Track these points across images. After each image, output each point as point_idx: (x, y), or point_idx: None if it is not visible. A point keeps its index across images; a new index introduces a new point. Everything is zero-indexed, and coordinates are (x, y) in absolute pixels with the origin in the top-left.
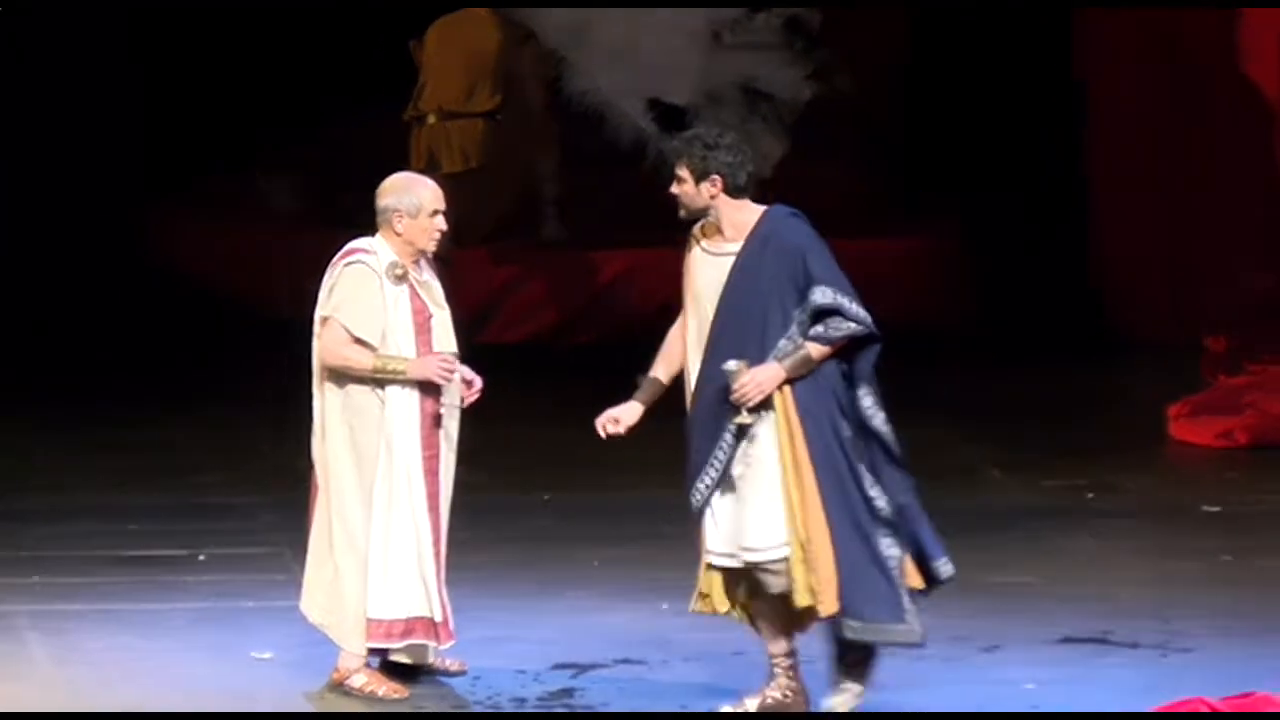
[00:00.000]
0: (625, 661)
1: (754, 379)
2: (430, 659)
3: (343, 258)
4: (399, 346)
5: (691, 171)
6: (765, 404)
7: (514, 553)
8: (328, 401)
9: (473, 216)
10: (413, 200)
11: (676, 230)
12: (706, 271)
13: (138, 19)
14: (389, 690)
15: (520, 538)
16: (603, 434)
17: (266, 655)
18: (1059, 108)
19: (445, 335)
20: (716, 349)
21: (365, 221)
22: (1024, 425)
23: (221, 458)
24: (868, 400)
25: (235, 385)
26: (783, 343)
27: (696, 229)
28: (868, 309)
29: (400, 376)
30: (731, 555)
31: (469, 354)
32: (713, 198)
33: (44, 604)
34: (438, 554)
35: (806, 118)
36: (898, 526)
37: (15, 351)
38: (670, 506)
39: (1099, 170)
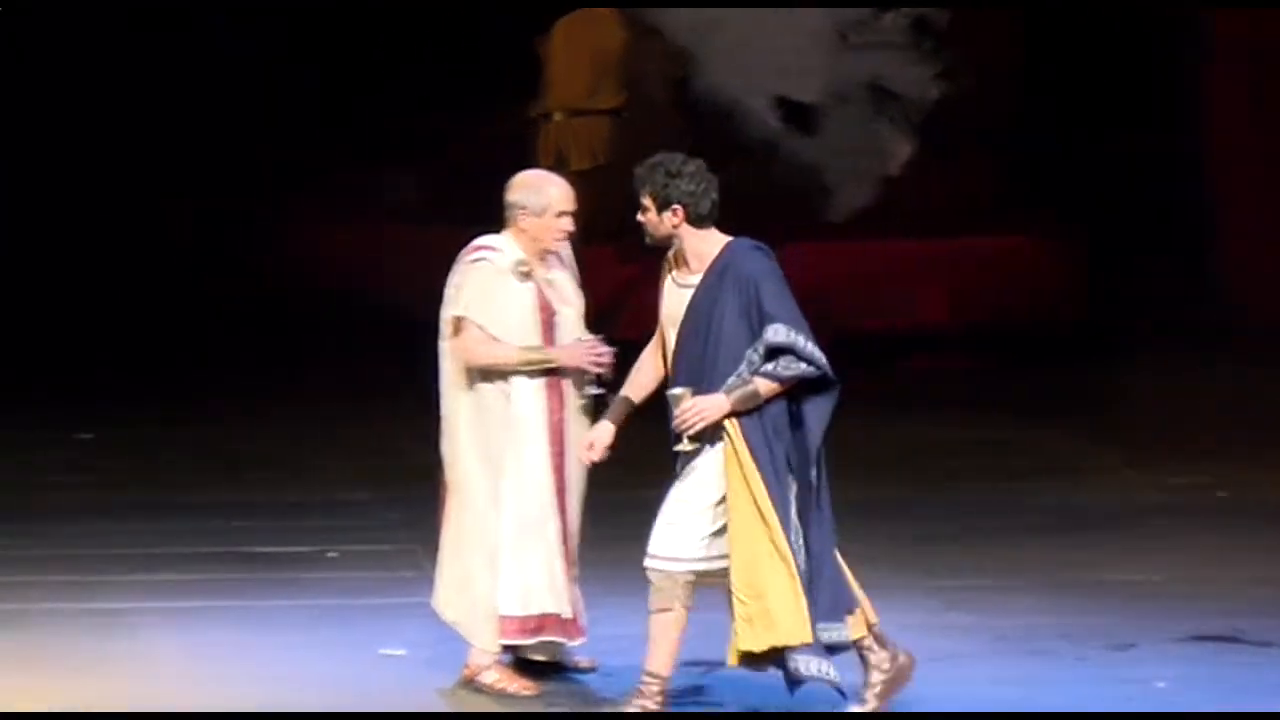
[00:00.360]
0: None
1: (696, 407)
2: (561, 656)
3: (468, 254)
4: (524, 344)
5: (654, 199)
6: (713, 437)
7: (619, 549)
8: (456, 400)
9: (600, 214)
10: (541, 199)
11: (802, 227)
12: (672, 301)
13: (268, 16)
14: (520, 687)
15: (623, 535)
16: (586, 462)
17: (398, 652)
18: (1175, 101)
19: (570, 332)
20: (674, 379)
21: (491, 217)
22: (1150, 422)
23: (349, 454)
24: (813, 446)
25: (363, 381)
26: (732, 378)
27: (670, 255)
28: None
29: (550, 365)
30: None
31: None
32: (675, 227)
33: (173, 601)
34: (567, 551)
35: (930, 117)
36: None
37: (144, 349)
38: None
39: (1219, 168)
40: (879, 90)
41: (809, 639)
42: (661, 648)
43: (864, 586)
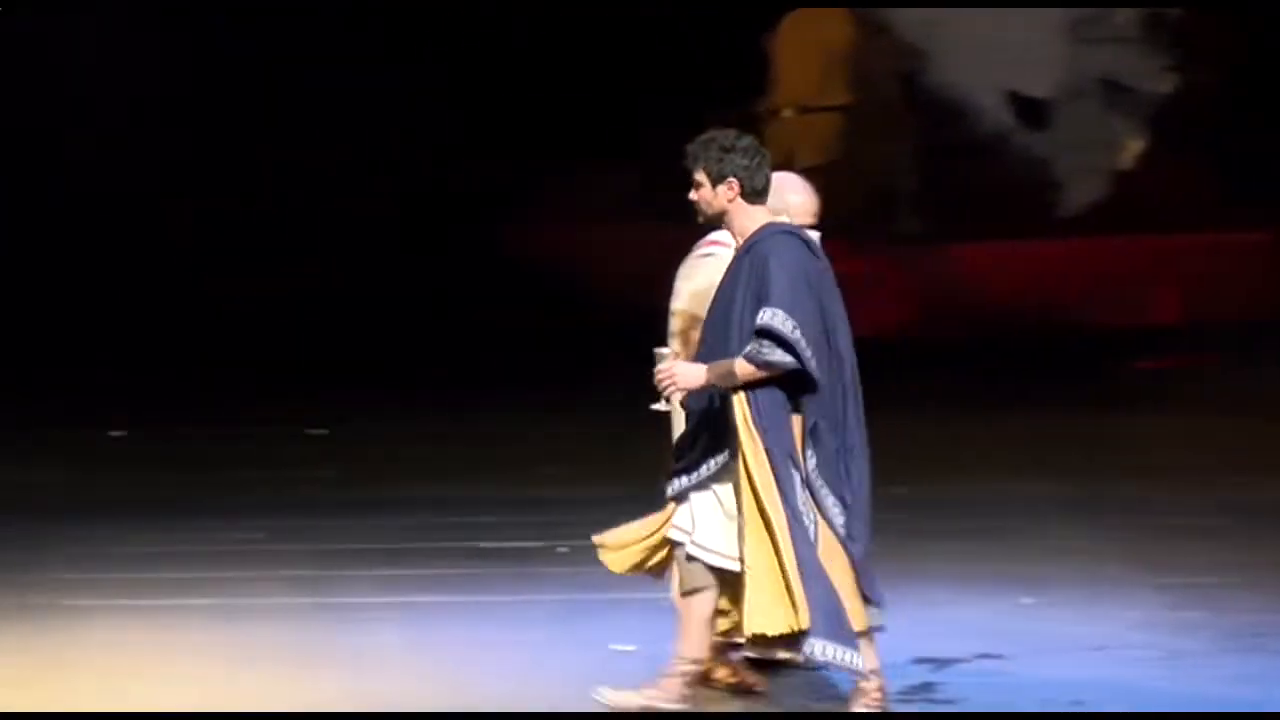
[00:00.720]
0: (985, 656)
1: (671, 371)
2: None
3: (700, 248)
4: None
5: (708, 174)
6: (707, 402)
7: (878, 546)
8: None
9: (828, 208)
10: (777, 206)
11: (1033, 221)
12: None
13: (480, 28)
14: (748, 682)
15: (883, 531)
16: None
17: (629, 648)
18: None
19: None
20: (703, 343)
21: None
22: None
23: (576, 449)
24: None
25: (586, 376)
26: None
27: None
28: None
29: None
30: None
31: None
32: (730, 201)
33: (402, 596)
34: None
35: (1160, 111)
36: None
37: (372, 345)
38: (1017, 499)
39: None
40: (1111, 84)
41: (805, 625)
42: (696, 630)
43: (1090, 582)
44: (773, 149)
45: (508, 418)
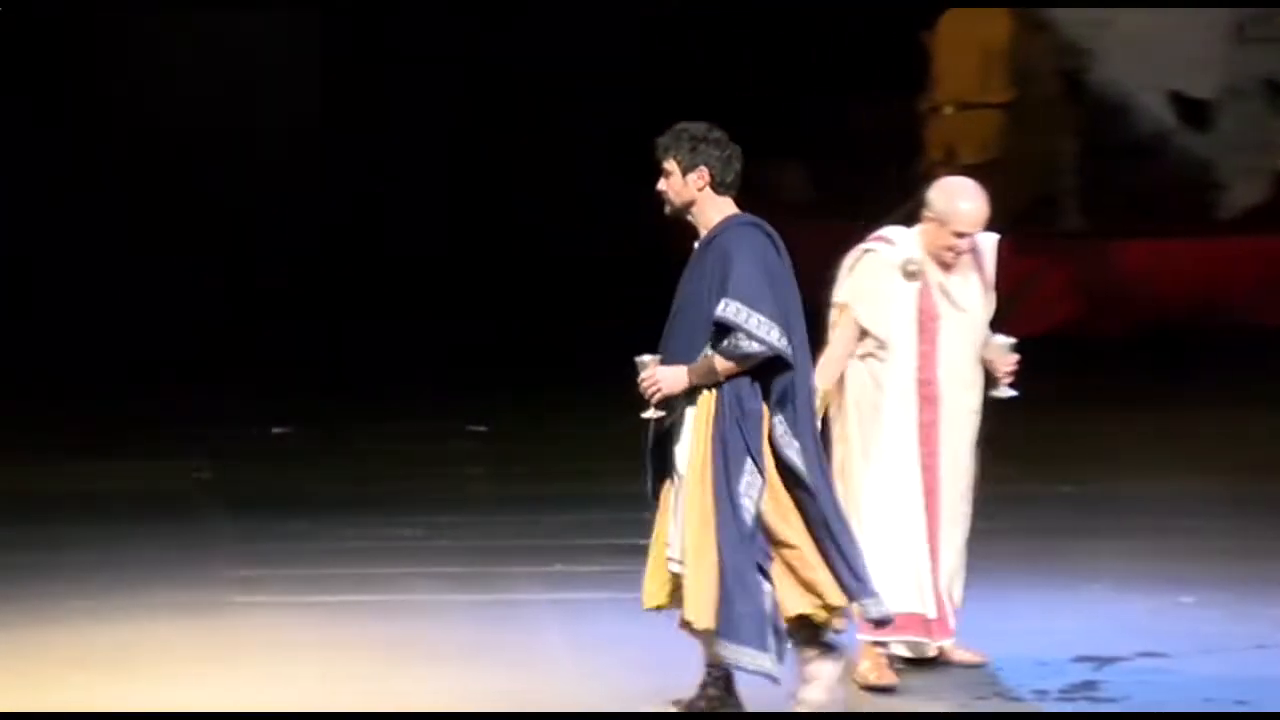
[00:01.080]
0: (1147, 654)
1: (653, 376)
2: (931, 652)
3: (864, 243)
4: (898, 343)
5: (679, 163)
6: (685, 408)
7: (1034, 544)
8: (843, 388)
9: (990, 206)
10: (947, 209)
11: (1193, 222)
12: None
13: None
14: (880, 678)
15: (1040, 529)
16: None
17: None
18: None
19: (959, 339)
20: (665, 339)
21: (872, 208)
22: None
23: None
24: (780, 429)
25: None
26: (706, 349)
27: None
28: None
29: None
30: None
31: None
32: (699, 190)
33: (564, 593)
34: (933, 550)
35: None
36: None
37: (534, 340)
38: (1179, 497)
39: None
40: (1275, 85)
41: (711, 625)
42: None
43: (1249, 581)
44: (933, 146)
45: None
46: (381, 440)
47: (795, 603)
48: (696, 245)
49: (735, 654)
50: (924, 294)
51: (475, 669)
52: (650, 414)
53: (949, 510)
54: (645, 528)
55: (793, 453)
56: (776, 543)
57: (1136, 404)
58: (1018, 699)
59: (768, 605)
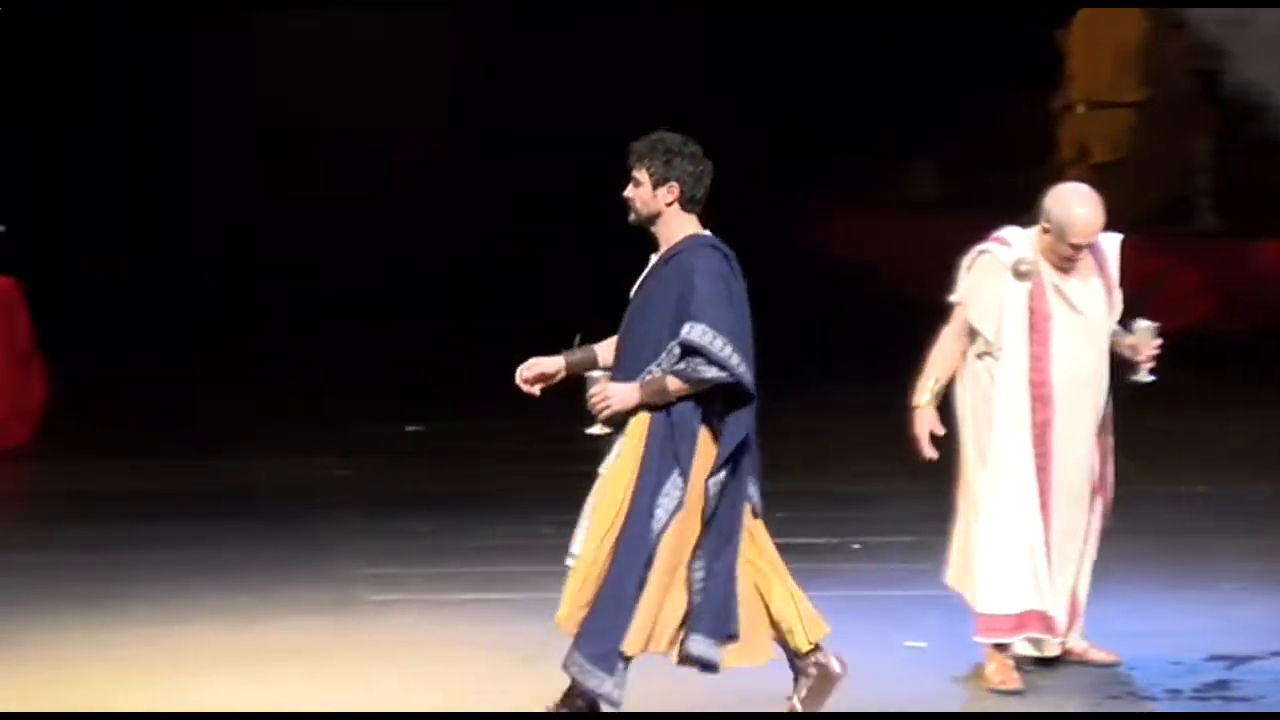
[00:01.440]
0: (1278, 654)
1: (604, 392)
2: (1052, 650)
3: (982, 243)
4: (1009, 345)
5: (651, 175)
6: (624, 425)
7: (1169, 544)
8: (961, 387)
9: (1123, 206)
10: (1063, 218)
11: None
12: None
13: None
14: (1004, 682)
15: (1174, 530)
16: (523, 387)
17: (920, 644)
18: None
19: (1075, 339)
20: (619, 354)
21: (1004, 207)
22: None
23: (872, 445)
24: (721, 460)
25: (885, 369)
26: (653, 367)
27: None
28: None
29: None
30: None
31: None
32: (668, 205)
33: None
34: (1049, 547)
35: None
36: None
37: None
38: None
39: None
40: None
41: (572, 630)
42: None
43: None
44: (1066, 144)
45: (804, 413)
46: (511, 439)
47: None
48: (654, 258)
49: (578, 666)
50: (1036, 295)
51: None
52: (597, 430)
53: (1068, 509)
54: (777, 526)
55: (717, 487)
56: (676, 564)
57: (1271, 403)
58: (1151, 699)
59: (631, 622)
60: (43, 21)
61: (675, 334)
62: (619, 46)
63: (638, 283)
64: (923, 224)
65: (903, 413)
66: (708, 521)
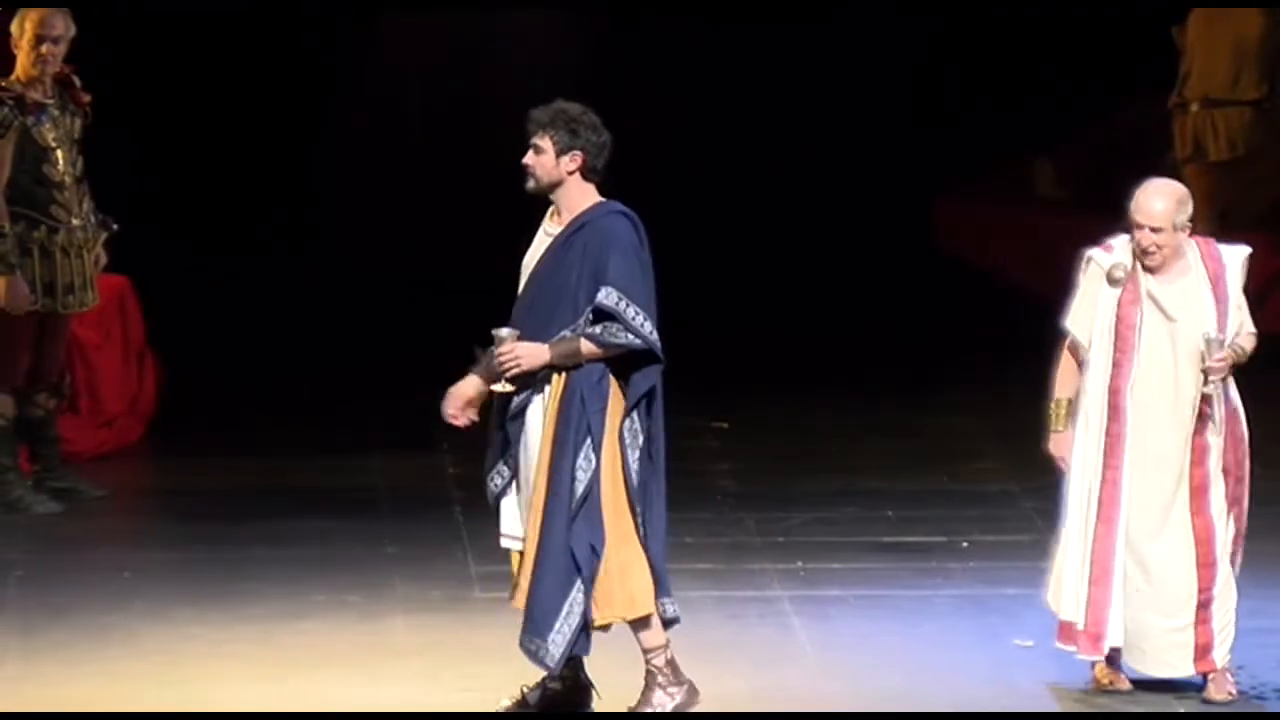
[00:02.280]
0: None
1: (514, 351)
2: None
3: (1089, 249)
4: (1095, 350)
5: (555, 143)
6: (536, 388)
7: (1273, 545)
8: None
9: (1241, 203)
10: (1132, 204)
11: None
12: (535, 250)
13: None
14: (1109, 682)
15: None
16: (453, 422)
17: (1028, 643)
18: None
19: (1164, 349)
20: (514, 322)
21: (1123, 208)
22: None
23: (991, 444)
24: (630, 424)
25: (1009, 371)
26: (565, 332)
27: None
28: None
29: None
30: (515, 539)
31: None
32: (569, 174)
33: (807, 590)
34: (1098, 563)
35: None
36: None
37: (815, 336)
38: None
39: None
40: None
41: (519, 604)
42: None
43: None
44: (1181, 142)
45: (933, 413)
46: None
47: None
48: (556, 227)
49: (525, 639)
50: (1126, 302)
51: (719, 665)
52: (501, 387)
53: (1142, 525)
54: (887, 525)
55: (635, 451)
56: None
57: None
58: (1261, 698)
59: (570, 593)
60: (163, 16)
61: (590, 299)
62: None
63: (538, 251)
64: (1045, 223)
65: (1024, 411)
66: (629, 477)
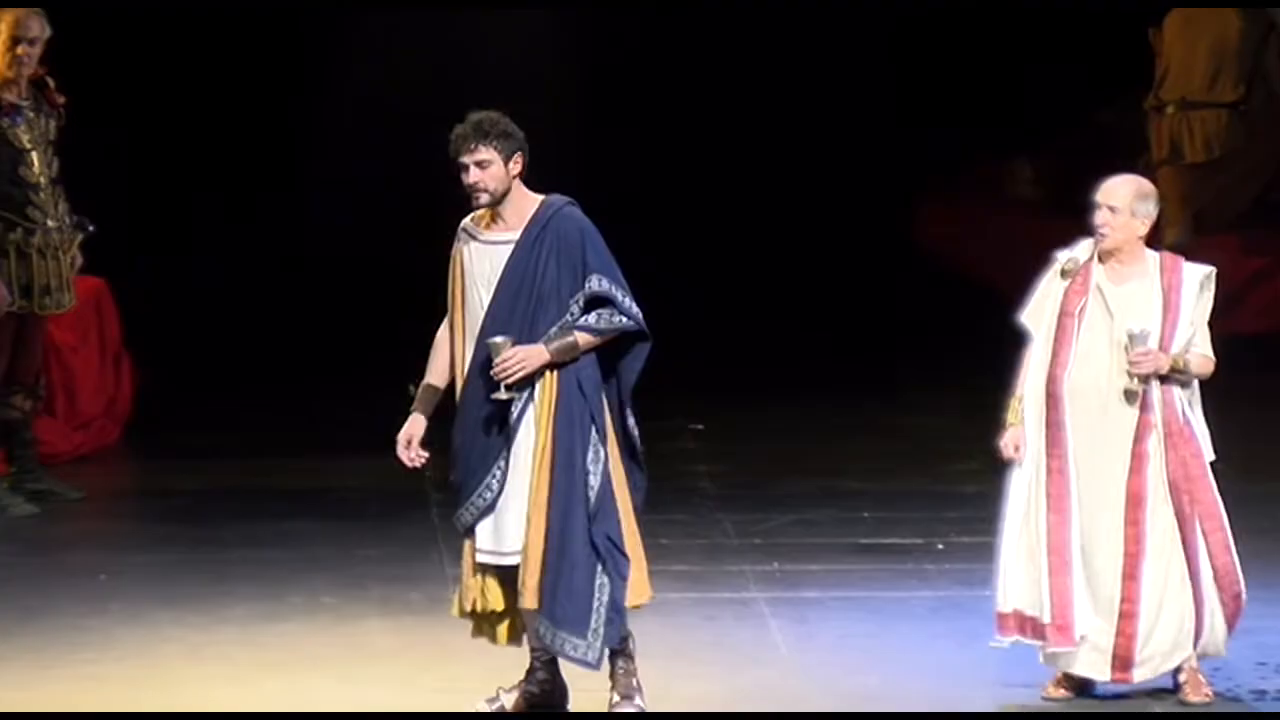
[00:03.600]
0: None
1: (517, 356)
2: (1068, 664)
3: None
4: (1039, 340)
5: (500, 151)
6: (529, 388)
7: (1256, 544)
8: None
9: (1216, 206)
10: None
11: None
12: (484, 261)
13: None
14: (1052, 692)
15: (1261, 529)
16: (412, 465)
17: (1005, 644)
18: None
19: (1100, 345)
20: (490, 334)
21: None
22: None
23: (968, 445)
24: (624, 408)
25: (986, 372)
26: (553, 329)
27: (469, 221)
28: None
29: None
30: (499, 554)
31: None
32: (514, 177)
33: (783, 591)
34: (1055, 553)
35: None
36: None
37: (794, 337)
38: None
39: None
40: None
41: (534, 605)
42: None
43: None
44: (1157, 143)
45: (907, 411)
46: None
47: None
48: (503, 233)
49: (555, 638)
50: (1072, 292)
51: (688, 666)
52: (503, 395)
53: (1094, 517)
54: (864, 526)
55: (631, 423)
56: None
57: None
58: (1236, 699)
59: (595, 588)
60: (138, 18)
61: (572, 293)
62: (721, 42)
63: (491, 259)
64: (1021, 224)
65: (1001, 412)
66: (625, 464)
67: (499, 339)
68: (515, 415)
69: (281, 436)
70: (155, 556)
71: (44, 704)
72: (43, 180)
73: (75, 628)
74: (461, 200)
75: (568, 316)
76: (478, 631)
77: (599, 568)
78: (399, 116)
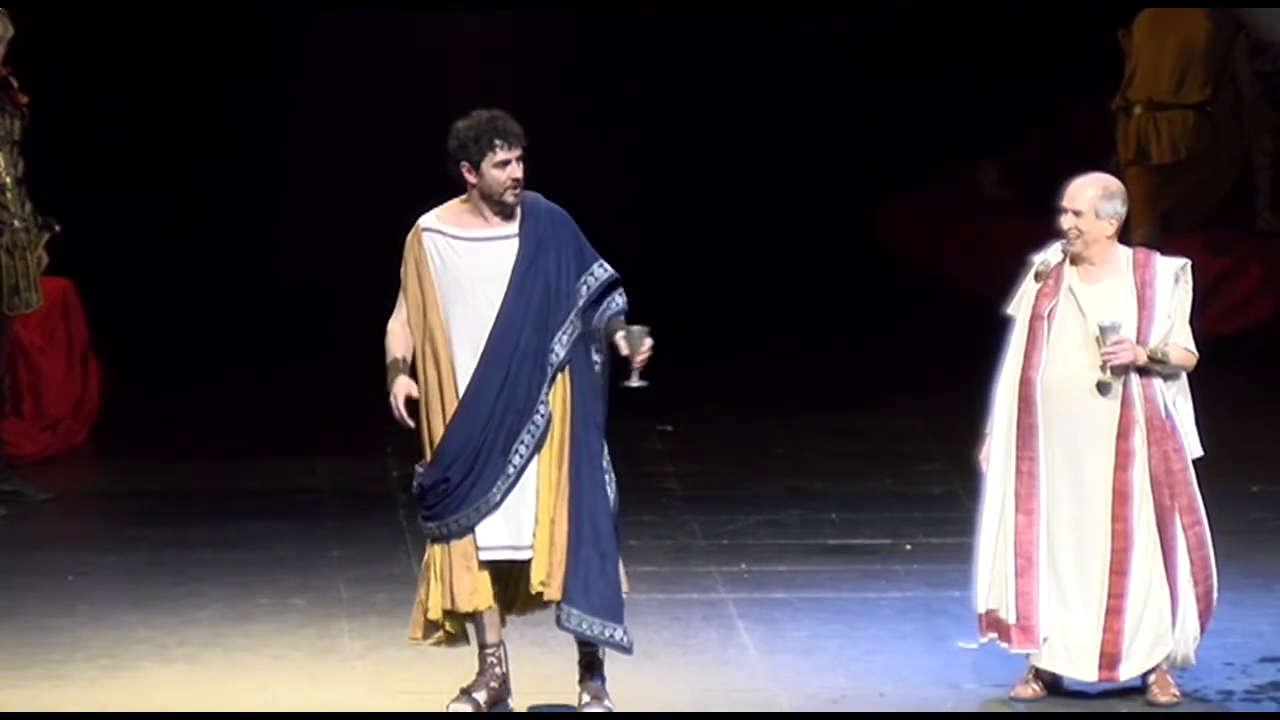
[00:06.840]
0: None
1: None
2: (1041, 662)
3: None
4: (1012, 343)
5: (524, 149)
6: (548, 388)
7: (1220, 544)
8: None
9: (1183, 206)
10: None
11: None
12: (478, 258)
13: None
14: (1020, 691)
15: (1226, 530)
16: (409, 423)
17: (973, 645)
18: None
19: (1073, 346)
20: (504, 328)
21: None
22: None
23: (936, 446)
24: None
25: (954, 373)
26: (573, 318)
27: (434, 220)
28: None
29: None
30: (516, 549)
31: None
32: None
33: (751, 592)
34: (1022, 554)
35: None
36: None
37: (761, 338)
38: None
39: None
40: None
41: (557, 595)
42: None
43: None
44: (1124, 144)
45: (876, 412)
46: None
47: None
48: (499, 228)
49: (592, 625)
50: (1042, 294)
51: (660, 666)
52: (635, 382)
53: (1067, 518)
54: (831, 527)
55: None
56: None
57: None
58: (1202, 699)
59: (622, 576)
60: (106, 16)
61: (571, 282)
62: (685, 42)
63: (492, 255)
64: (989, 225)
65: (969, 413)
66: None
67: (635, 328)
68: (527, 413)
69: (249, 437)
70: (123, 557)
71: (12, 704)
72: (8, 180)
73: (43, 629)
74: (430, 202)
75: (580, 304)
76: (449, 639)
77: (620, 560)
78: (369, 115)
